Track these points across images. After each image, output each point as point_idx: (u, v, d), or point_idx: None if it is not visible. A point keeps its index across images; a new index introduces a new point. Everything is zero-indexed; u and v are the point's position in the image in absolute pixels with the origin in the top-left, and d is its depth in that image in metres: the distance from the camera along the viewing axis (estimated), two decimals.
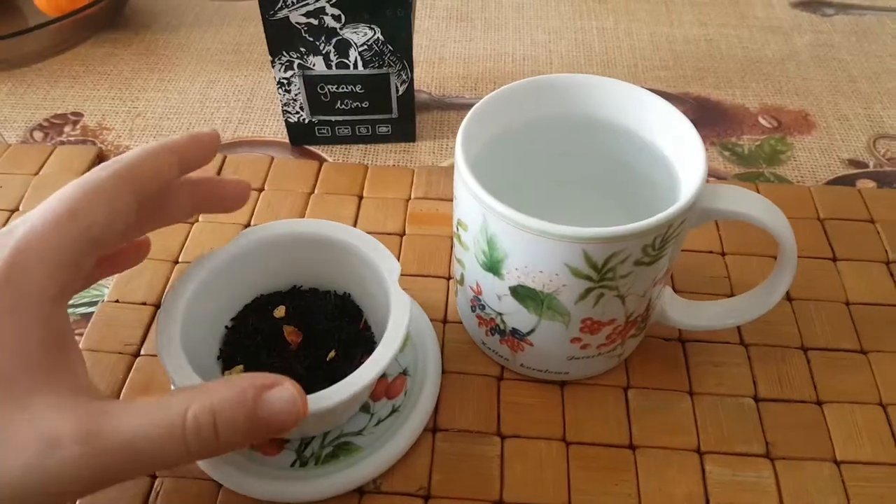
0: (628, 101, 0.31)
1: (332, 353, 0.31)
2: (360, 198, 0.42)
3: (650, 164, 0.31)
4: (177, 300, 0.29)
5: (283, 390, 0.23)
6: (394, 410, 0.31)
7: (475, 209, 0.27)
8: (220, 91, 0.50)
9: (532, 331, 0.30)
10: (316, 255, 0.32)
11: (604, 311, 0.29)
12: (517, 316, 0.30)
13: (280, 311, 0.32)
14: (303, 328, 0.32)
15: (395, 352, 0.27)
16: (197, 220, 0.40)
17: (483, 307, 0.31)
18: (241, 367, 0.31)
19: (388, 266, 0.30)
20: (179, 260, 0.39)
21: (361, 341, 0.32)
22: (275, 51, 0.40)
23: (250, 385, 0.23)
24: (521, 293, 0.29)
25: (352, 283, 0.33)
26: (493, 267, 0.29)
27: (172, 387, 0.28)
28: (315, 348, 0.31)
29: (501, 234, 0.27)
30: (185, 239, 0.39)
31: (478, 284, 0.30)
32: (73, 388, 0.22)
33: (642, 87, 0.31)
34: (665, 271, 0.29)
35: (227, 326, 0.32)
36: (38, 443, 0.21)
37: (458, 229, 0.30)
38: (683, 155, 0.29)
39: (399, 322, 0.28)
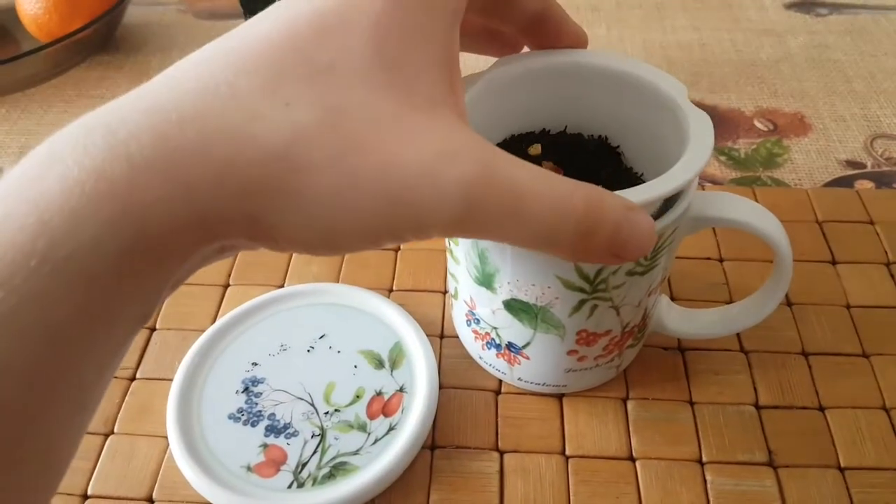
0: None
1: None
2: None
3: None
4: None
5: (643, 213, 0.20)
6: (391, 429, 0.31)
7: None
8: None
9: (528, 344, 0.30)
10: (571, 92, 0.30)
11: (599, 322, 0.28)
12: (512, 329, 0.30)
13: (535, 149, 0.30)
14: (561, 165, 0.30)
15: (706, 161, 0.24)
16: None
17: (478, 321, 0.31)
18: None
19: (670, 84, 0.27)
20: None
21: (627, 179, 0.29)
22: None
23: (623, 199, 0.20)
24: (514, 307, 0.28)
25: (610, 123, 0.30)
26: (485, 281, 0.28)
27: None
28: None
29: (492, 247, 0.27)
30: None
31: (472, 299, 0.30)
32: (462, 116, 0.20)
33: None
34: (660, 280, 0.29)
35: None
36: (437, 147, 0.18)
37: (449, 243, 0.30)
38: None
39: (704, 131, 0.25)
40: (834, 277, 0.38)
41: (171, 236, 0.16)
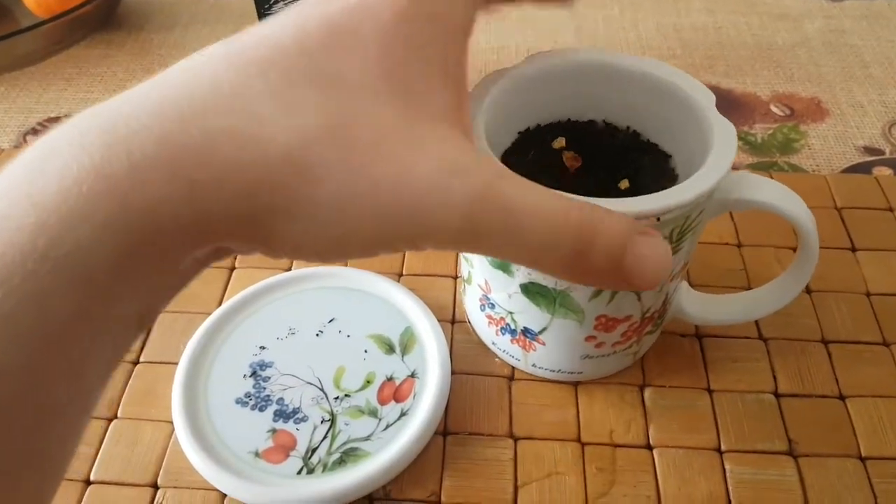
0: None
1: (625, 182, 0.28)
2: None
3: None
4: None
5: (657, 240, 0.19)
6: (402, 414, 0.30)
7: None
8: None
9: (544, 329, 0.29)
10: (601, 89, 0.30)
11: (619, 307, 0.27)
12: (528, 314, 0.29)
13: (560, 142, 0.30)
14: (585, 157, 0.29)
15: (718, 179, 0.24)
16: None
17: (493, 306, 0.30)
18: None
19: (700, 93, 0.27)
20: None
21: (662, 173, 0.29)
22: None
23: (630, 222, 0.19)
24: (532, 290, 0.27)
25: (636, 121, 0.30)
26: (501, 264, 0.27)
27: None
28: (599, 179, 0.28)
29: None
30: None
31: (486, 282, 0.29)
32: (468, 132, 0.20)
33: None
34: (683, 265, 0.28)
35: (503, 153, 0.30)
36: (445, 162, 0.17)
37: None
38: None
39: (728, 139, 0.25)
40: (853, 264, 0.37)
41: (171, 235, 0.16)
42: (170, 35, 0.54)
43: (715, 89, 0.49)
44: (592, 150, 0.30)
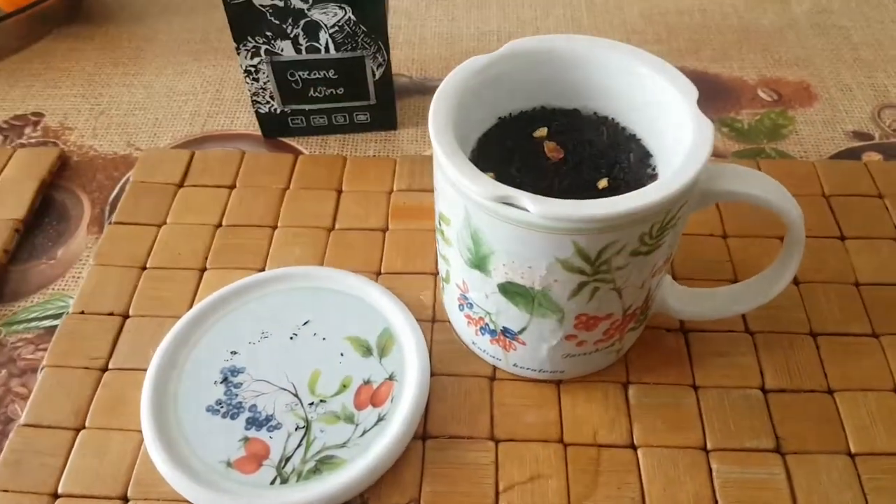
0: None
1: (603, 182, 0.27)
2: (339, 192, 0.40)
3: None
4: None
5: None
6: (380, 419, 0.29)
7: (457, 202, 0.25)
8: (187, 83, 0.48)
9: (524, 329, 0.28)
10: (583, 77, 0.29)
11: (599, 305, 0.26)
12: (507, 314, 0.28)
13: (541, 132, 0.29)
14: (567, 150, 0.28)
15: (700, 168, 0.23)
16: (165, 223, 0.38)
17: (471, 305, 0.29)
18: (492, 174, 0.27)
19: (681, 85, 0.26)
20: (147, 266, 0.36)
21: (642, 167, 0.28)
22: (239, 36, 0.37)
23: None
24: (510, 290, 0.26)
25: (620, 110, 0.29)
26: (479, 264, 0.26)
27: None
28: (579, 173, 0.27)
29: (485, 227, 0.25)
30: (152, 244, 0.37)
31: (464, 282, 0.28)
32: None
33: None
34: (665, 260, 0.27)
35: (478, 139, 0.29)
36: None
37: (440, 224, 0.28)
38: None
39: (703, 139, 0.24)
40: (842, 253, 0.36)
41: None
42: (139, 26, 0.53)
43: (701, 75, 0.48)
44: (574, 142, 0.28)
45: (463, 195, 0.24)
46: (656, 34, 0.51)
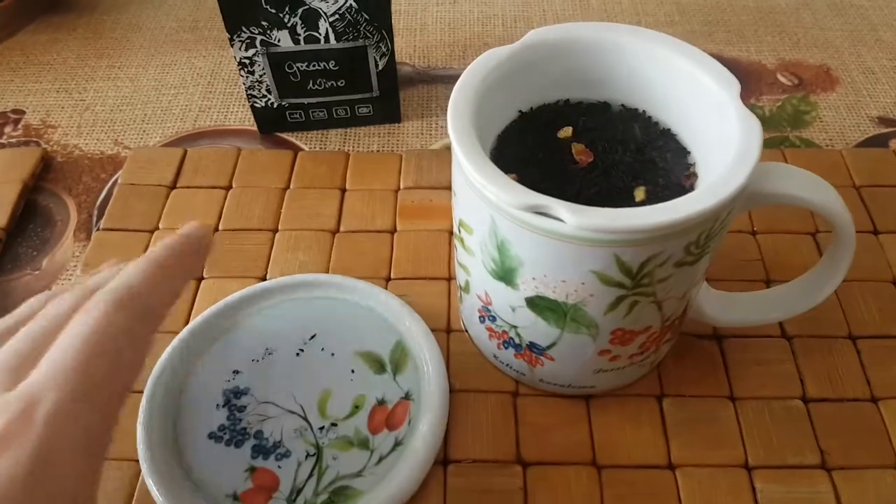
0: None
1: (641, 192, 0.24)
2: (343, 191, 0.37)
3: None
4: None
5: None
6: (397, 444, 0.27)
7: (481, 210, 0.23)
8: (177, 75, 0.45)
9: (553, 345, 0.26)
10: (611, 68, 0.26)
11: (637, 319, 0.24)
12: (535, 329, 0.26)
13: (566, 132, 0.27)
14: (596, 151, 0.26)
15: (750, 171, 0.21)
16: (157, 228, 0.36)
17: (494, 318, 0.27)
18: (514, 175, 0.25)
19: (723, 79, 0.24)
20: None
21: (680, 169, 0.25)
22: (233, 27, 0.35)
23: None
24: (539, 305, 0.24)
25: (652, 103, 0.27)
26: (505, 276, 0.24)
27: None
28: (611, 178, 0.25)
29: (514, 238, 0.22)
30: (145, 251, 0.35)
31: (486, 294, 0.26)
32: None
33: None
34: (707, 268, 0.25)
35: (498, 135, 0.27)
36: None
37: (460, 230, 0.26)
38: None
39: (752, 139, 0.22)
40: (877, 249, 0.34)
41: None
42: (124, 14, 0.50)
43: (718, 58, 0.45)
44: (604, 141, 0.26)
45: (489, 203, 0.22)
46: (668, 16, 0.49)
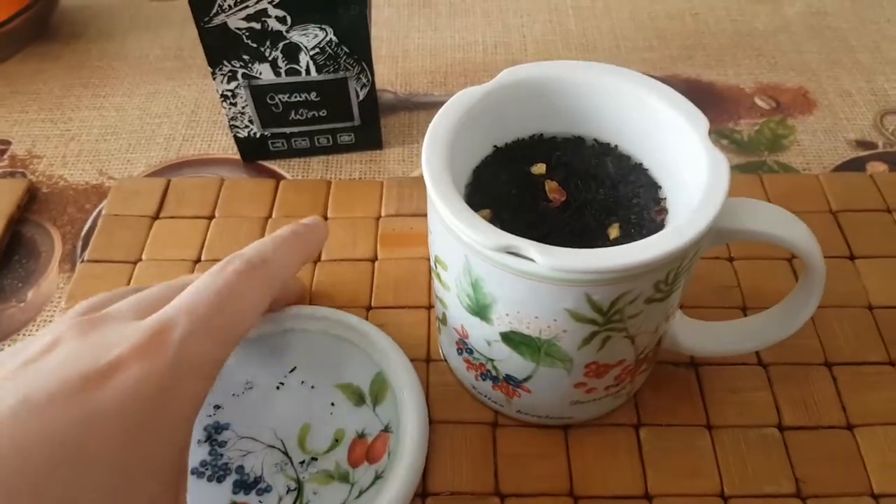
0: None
1: (615, 230, 0.25)
2: (325, 219, 0.38)
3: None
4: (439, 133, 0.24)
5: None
6: (377, 477, 0.27)
7: (455, 248, 0.23)
8: (161, 104, 0.45)
9: (529, 377, 0.26)
10: (584, 104, 0.27)
11: (611, 353, 0.25)
12: (511, 362, 0.26)
13: (539, 168, 0.27)
14: (569, 189, 0.26)
15: (718, 211, 0.21)
16: (140, 260, 0.36)
17: (471, 351, 0.27)
18: (488, 211, 0.25)
19: (691, 116, 0.24)
20: None
21: (652, 204, 0.26)
22: (214, 61, 0.35)
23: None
24: (514, 339, 0.25)
25: (624, 138, 0.27)
26: (479, 311, 0.24)
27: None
28: (584, 216, 0.25)
29: (487, 276, 0.23)
30: (127, 284, 0.35)
31: (463, 327, 0.26)
32: None
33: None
34: (678, 301, 0.25)
35: (474, 170, 0.27)
36: None
37: (436, 266, 0.26)
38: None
39: (719, 178, 0.22)
40: (853, 275, 0.35)
41: None
42: (109, 43, 0.50)
43: (695, 83, 0.46)
44: (577, 178, 0.27)
45: (463, 243, 0.22)
46: (646, 41, 0.49)
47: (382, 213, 0.38)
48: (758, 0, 0.53)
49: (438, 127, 0.25)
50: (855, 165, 0.41)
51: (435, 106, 0.44)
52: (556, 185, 0.26)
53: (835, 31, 0.50)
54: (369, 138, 0.41)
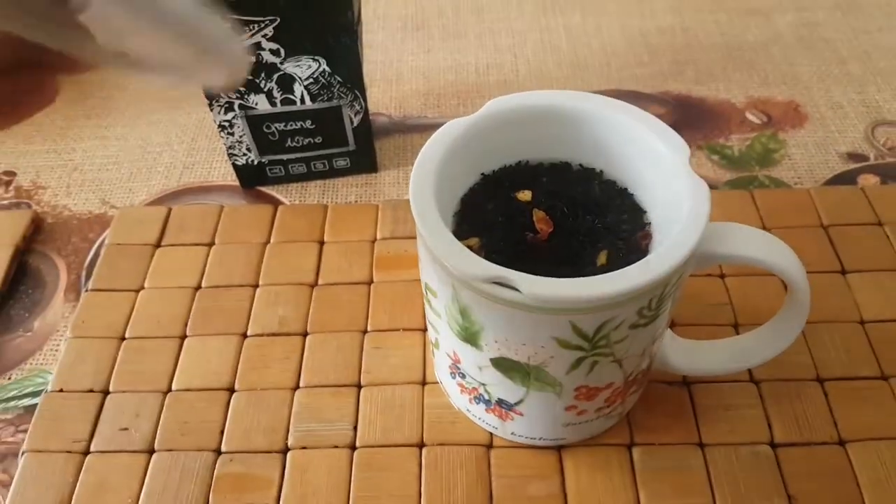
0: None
1: (603, 256, 0.25)
2: (322, 243, 0.38)
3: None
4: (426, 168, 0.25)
5: None
6: None
7: (443, 278, 0.24)
8: (161, 133, 0.46)
9: (521, 401, 0.27)
10: (569, 132, 0.27)
11: (600, 377, 0.25)
12: (502, 386, 0.26)
13: (525, 195, 0.27)
14: (555, 217, 0.26)
15: (698, 238, 0.22)
16: (143, 288, 0.37)
17: (463, 375, 0.28)
18: (476, 239, 0.26)
19: (673, 144, 0.25)
20: (126, 336, 0.35)
21: (637, 229, 0.26)
22: (211, 94, 0.36)
23: None
24: (504, 365, 0.25)
25: (610, 164, 0.28)
26: (469, 338, 0.25)
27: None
28: (571, 243, 0.26)
29: (475, 305, 0.23)
30: (130, 312, 0.36)
31: (455, 353, 0.27)
32: None
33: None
34: (665, 326, 0.26)
35: (461, 198, 0.28)
36: None
37: (426, 293, 0.27)
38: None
39: (699, 205, 0.23)
40: (844, 289, 0.35)
41: None
42: (110, 74, 0.51)
43: (686, 98, 0.47)
44: (563, 205, 0.27)
45: (450, 273, 0.23)
46: (637, 56, 0.50)
47: (378, 237, 0.38)
48: (749, 12, 0.53)
49: (426, 158, 0.25)
50: (846, 178, 0.41)
51: (428, 128, 0.45)
52: (544, 214, 0.26)
53: (826, 42, 0.50)
54: (364, 162, 0.41)
